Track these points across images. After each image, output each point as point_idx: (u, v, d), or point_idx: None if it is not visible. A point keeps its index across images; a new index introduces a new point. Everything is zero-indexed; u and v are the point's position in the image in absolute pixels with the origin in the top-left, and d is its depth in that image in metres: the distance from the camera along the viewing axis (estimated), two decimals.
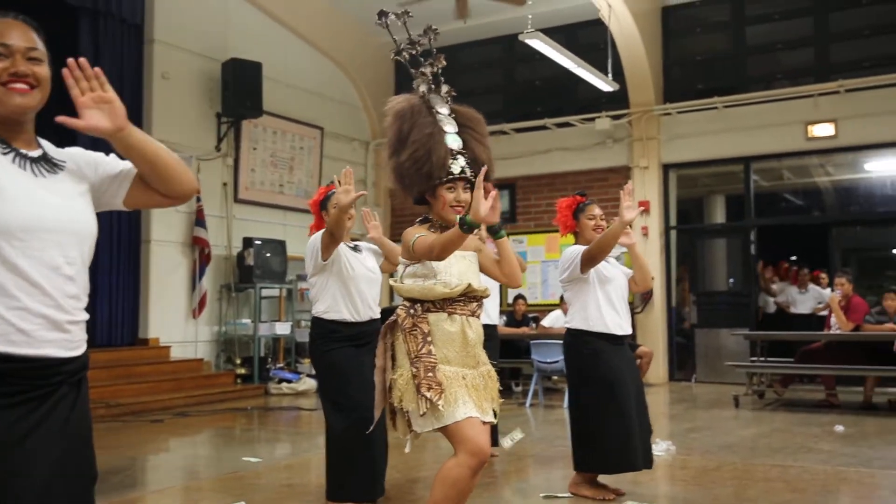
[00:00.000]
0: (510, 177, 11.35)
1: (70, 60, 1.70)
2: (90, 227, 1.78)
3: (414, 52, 2.92)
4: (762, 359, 8.62)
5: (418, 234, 2.75)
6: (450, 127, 2.84)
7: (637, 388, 4.31)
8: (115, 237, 9.18)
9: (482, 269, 2.90)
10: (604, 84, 10.11)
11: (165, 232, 9.62)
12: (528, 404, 8.45)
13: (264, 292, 10.38)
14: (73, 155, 1.84)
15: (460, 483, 2.63)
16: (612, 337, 4.23)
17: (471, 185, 2.81)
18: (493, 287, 4.97)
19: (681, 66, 11.22)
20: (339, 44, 11.92)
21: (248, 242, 10.14)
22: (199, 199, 9.75)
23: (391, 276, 3.08)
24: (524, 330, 9.61)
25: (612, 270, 4.33)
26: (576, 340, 4.29)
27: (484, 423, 2.71)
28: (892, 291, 8.08)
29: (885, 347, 7.96)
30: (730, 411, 7.87)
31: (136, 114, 9.36)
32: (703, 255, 11.59)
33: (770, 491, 4.46)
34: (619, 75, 10.45)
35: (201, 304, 9.82)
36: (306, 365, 10.11)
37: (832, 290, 8.59)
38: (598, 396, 4.17)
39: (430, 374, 2.65)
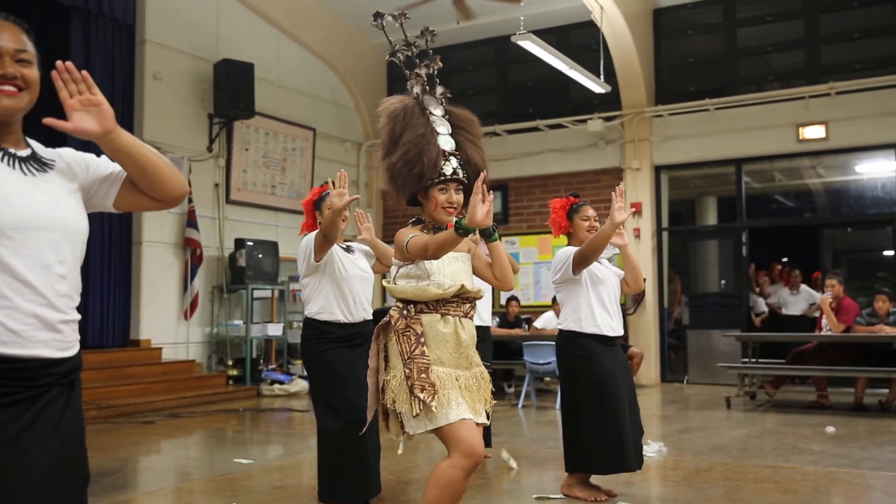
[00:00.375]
0: (502, 178, 11.36)
1: (58, 63, 1.69)
2: (81, 226, 1.78)
3: (409, 54, 2.92)
4: (754, 360, 8.65)
5: (412, 235, 2.75)
6: (443, 128, 2.84)
7: (629, 389, 4.32)
8: (107, 238, 9.16)
9: (474, 272, 2.90)
10: (596, 86, 10.13)
11: (157, 233, 9.59)
12: (520, 405, 8.45)
13: (256, 293, 10.36)
14: (62, 155, 1.83)
15: (454, 484, 2.63)
16: (604, 338, 4.24)
17: (463, 187, 2.81)
18: (485, 289, 4.98)
19: (673, 68, 11.25)
20: (331, 45, 11.91)
21: (239, 243, 10.12)
22: (190, 200, 9.73)
23: (383, 277, 3.08)
24: (517, 331, 9.61)
25: (605, 272, 4.34)
26: (568, 342, 4.30)
27: (477, 424, 2.71)
28: (882, 293, 8.11)
29: (876, 349, 8.00)
30: (721, 412, 7.89)
31: (128, 114, 9.35)
32: (695, 257, 11.62)
33: (761, 492, 4.48)
34: (611, 77, 10.47)
35: (193, 305, 9.79)
36: (298, 366, 10.09)
37: (823, 292, 8.62)
38: (590, 397, 4.18)
39: (424, 376, 2.65)
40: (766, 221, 12.02)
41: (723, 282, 11.39)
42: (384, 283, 2.96)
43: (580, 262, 4.15)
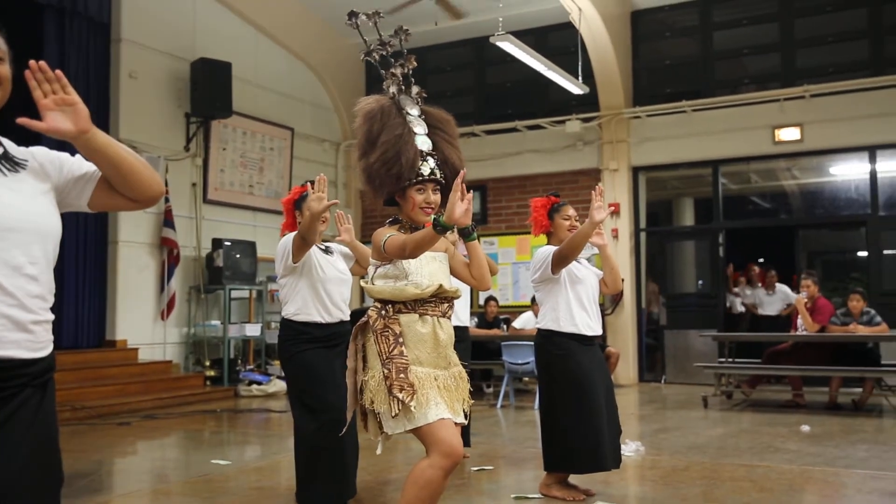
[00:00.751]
0: (481, 178, 11.37)
1: (32, 63, 1.67)
2: (54, 226, 1.75)
3: (384, 53, 2.91)
4: (730, 360, 8.72)
5: (389, 234, 2.74)
6: (420, 128, 2.84)
7: (607, 389, 4.34)
8: (82, 238, 9.07)
9: (451, 272, 2.90)
10: (574, 87, 10.17)
11: (133, 233, 9.51)
12: (499, 406, 8.47)
13: (234, 294, 10.30)
14: (35, 154, 1.81)
15: (432, 484, 2.63)
16: (583, 337, 4.26)
17: (441, 187, 2.81)
18: (463, 289, 4.98)
19: (650, 70, 11.32)
20: (309, 45, 11.87)
21: (217, 243, 10.06)
22: (167, 200, 9.66)
23: (362, 278, 3.07)
24: (495, 332, 9.63)
25: (584, 271, 4.36)
26: (546, 341, 4.31)
27: (455, 423, 2.71)
28: (856, 292, 8.21)
29: (851, 348, 8.09)
30: (698, 412, 7.95)
31: (104, 113, 9.26)
32: (673, 257, 11.69)
33: (737, 490, 4.51)
34: (589, 78, 10.51)
35: (170, 305, 9.72)
36: (276, 367, 10.05)
37: (798, 292, 8.72)
38: (567, 396, 4.19)
39: (402, 376, 2.64)
40: (743, 222, 12.13)
41: (700, 282, 11.48)
42: (362, 283, 2.96)
43: (559, 261, 4.17)
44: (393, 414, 2.62)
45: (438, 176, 2.80)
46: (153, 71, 9.81)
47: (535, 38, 10.91)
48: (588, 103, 10.97)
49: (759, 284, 11.23)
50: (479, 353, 8.81)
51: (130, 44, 9.59)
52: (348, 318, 4.03)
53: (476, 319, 9.66)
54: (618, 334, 10.64)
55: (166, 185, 9.63)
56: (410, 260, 2.73)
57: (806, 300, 8.23)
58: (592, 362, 4.28)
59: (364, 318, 2.80)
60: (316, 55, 12.03)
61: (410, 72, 2.90)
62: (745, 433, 6.61)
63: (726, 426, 7.04)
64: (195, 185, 10.30)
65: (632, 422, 7.35)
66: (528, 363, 8.07)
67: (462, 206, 2.57)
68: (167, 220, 9.66)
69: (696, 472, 5.04)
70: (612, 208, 10.54)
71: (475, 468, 5.14)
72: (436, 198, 2.78)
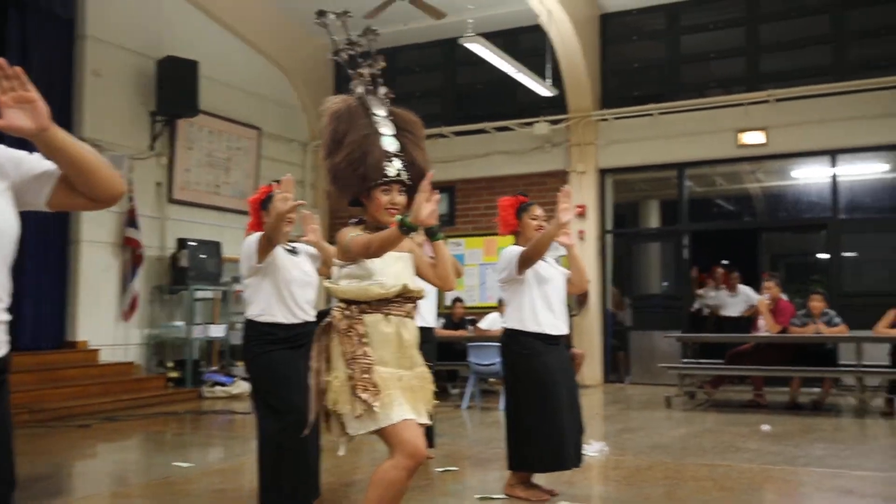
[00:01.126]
0: (449, 180, 11.38)
1: None
2: (10, 226, 1.72)
3: (352, 53, 2.90)
4: (693, 360, 8.81)
5: (354, 234, 2.74)
6: (386, 129, 2.83)
7: (570, 388, 4.36)
8: (43, 237, 8.90)
9: (416, 272, 2.89)
10: (543, 89, 10.22)
11: (96, 232, 9.37)
12: (464, 407, 8.48)
13: (198, 294, 10.19)
14: None
15: (396, 485, 2.62)
16: (548, 337, 4.28)
17: (406, 188, 2.81)
18: (429, 290, 4.98)
19: (618, 73, 11.41)
20: (277, 44, 11.80)
21: (182, 243, 9.95)
22: (131, 199, 9.53)
23: (327, 279, 3.06)
24: (461, 332, 9.63)
25: (550, 271, 4.38)
26: (511, 340, 4.33)
27: (419, 424, 2.71)
28: (817, 293, 8.34)
29: (810, 349, 8.23)
30: (662, 412, 8.02)
31: (67, 111, 9.11)
32: (638, 259, 11.79)
33: (699, 490, 4.56)
34: (557, 81, 10.58)
35: (132, 306, 9.59)
36: (241, 368, 9.95)
37: (760, 294, 8.84)
38: (531, 395, 4.21)
39: (366, 376, 2.64)
40: (707, 225, 12.27)
41: (664, 283, 11.60)
42: (326, 283, 2.94)
43: (524, 262, 4.19)
44: (356, 415, 2.62)
45: (404, 177, 2.80)
46: (118, 68, 9.68)
47: (504, 39, 10.95)
48: (556, 105, 11.04)
49: (723, 286, 11.35)
50: (445, 353, 8.80)
51: (95, 41, 9.46)
52: (313, 320, 4.01)
53: (443, 320, 9.66)
54: (584, 335, 10.71)
55: (130, 184, 9.52)
56: (375, 260, 2.72)
57: (768, 301, 8.35)
58: (557, 361, 4.30)
59: (328, 319, 2.79)
60: (284, 54, 11.96)
61: (379, 72, 2.90)
62: (708, 433, 6.69)
63: (689, 426, 7.12)
64: (160, 185, 10.19)
65: (596, 422, 7.40)
66: (493, 364, 8.08)
67: (428, 208, 2.57)
68: (131, 220, 9.54)
69: (660, 471, 5.09)
70: (579, 210, 10.61)
71: (440, 469, 5.14)
72: (401, 199, 2.78)
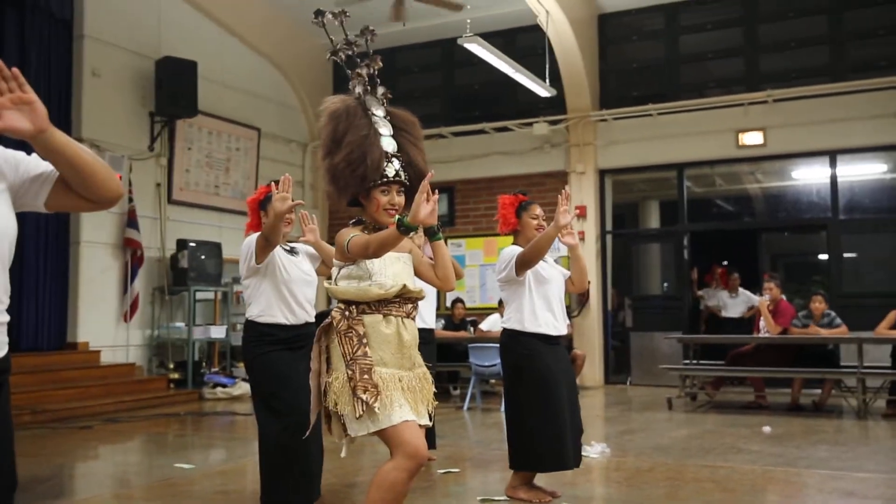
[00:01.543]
0: (449, 180, 11.38)
1: None
2: (9, 227, 1.71)
3: (350, 53, 2.90)
4: (694, 361, 8.81)
5: (352, 234, 2.73)
6: (385, 129, 2.83)
7: (570, 389, 4.36)
8: (43, 238, 8.90)
9: (416, 273, 2.89)
10: (541, 89, 10.22)
11: (96, 233, 9.36)
12: (465, 408, 8.47)
13: (199, 295, 10.19)
14: None
15: (397, 486, 2.61)
16: (547, 337, 4.27)
17: (405, 189, 2.80)
18: (429, 290, 4.96)
19: (617, 73, 11.41)
20: (276, 44, 11.79)
21: (182, 244, 9.94)
22: (131, 200, 9.53)
23: (327, 279, 3.05)
24: (462, 333, 9.63)
25: (550, 271, 4.37)
26: (511, 341, 4.32)
27: (420, 425, 2.70)
28: (818, 294, 8.34)
29: (811, 350, 8.22)
30: (663, 413, 8.01)
31: (66, 112, 9.11)
32: (638, 260, 11.78)
33: (701, 491, 4.56)
34: (556, 81, 10.57)
35: (133, 307, 9.59)
36: (242, 369, 9.95)
37: (761, 295, 8.83)
38: (532, 396, 4.20)
39: (367, 377, 2.63)
40: (707, 225, 12.26)
41: (665, 284, 11.59)
42: (325, 284, 2.94)
43: (522, 264, 4.18)
44: (357, 415, 2.61)
45: (403, 178, 2.79)
46: (117, 69, 9.67)
47: (503, 40, 10.94)
48: (555, 106, 11.03)
49: (723, 286, 11.35)
50: (445, 354, 8.79)
51: (94, 41, 9.45)
52: (313, 320, 4.00)
53: (443, 321, 9.65)
54: (584, 336, 10.70)
55: (130, 185, 9.52)
56: (374, 260, 2.72)
57: (768, 303, 8.35)
58: (556, 362, 4.29)
59: (328, 320, 2.78)
60: (283, 55, 11.95)
61: (377, 72, 2.89)
62: (709, 434, 6.68)
63: (690, 427, 7.11)
64: (160, 186, 10.18)
65: (597, 423, 7.39)
66: (494, 365, 8.08)
67: (427, 208, 2.57)
68: (131, 221, 9.53)
69: (661, 473, 5.08)
70: (578, 211, 10.61)
71: (441, 471, 5.13)
72: (400, 199, 2.78)
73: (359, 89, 2.85)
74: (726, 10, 10.80)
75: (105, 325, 9.45)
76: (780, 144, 10.22)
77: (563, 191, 4.13)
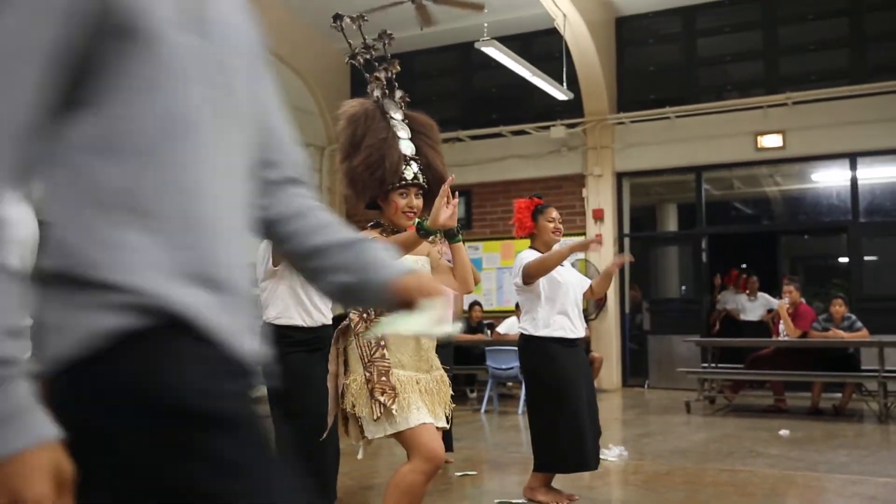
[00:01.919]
0: (466, 184, 11.37)
1: None
2: (29, 232, 1.73)
3: (368, 57, 2.92)
4: (713, 365, 8.75)
5: (370, 237, 2.74)
6: (403, 132, 2.84)
7: (588, 391, 4.35)
8: None
9: (433, 275, 2.89)
10: (558, 93, 10.20)
11: None
12: (482, 410, 8.46)
13: None
14: None
15: (414, 489, 2.62)
16: (564, 340, 4.26)
17: (423, 191, 2.81)
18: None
19: (634, 77, 11.37)
20: (294, 49, 11.85)
21: None
22: None
23: None
24: (479, 336, 9.62)
25: (565, 275, 4.37)
26: (527, 344, 4.33)
27: (437, 428, 2.70)
28: (839, 298, 8.27)
29: (831, 354, 8.15)
30: (681, 417, 7.97)
31: None
32: (656, 263, 11.73)
33: (720, 495, 4.53)
34: (573, 84, 10.55)
35: None
36: (259, 372, 9.98)
37: (781, 298, 8.77)
38: (551, 398, 4.20)
39: (384, 379, 2.64)
40: (725, 228, 12.19)
41: (683, 287, 11.52)
42: None
43: (529, 276, 4.19)
44: (375, 417, 2.62)
45: (421, 180, 2.80)
46: None
47: (520, 43, 10.93)
48: (572, 109, 11.01)
49: (740, 290, 11.27)
50: (463, 357, 8.78)
51: None
52: (330, 322, 4.02)
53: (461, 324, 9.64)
54: (601, 339, 10.66)
55: None
56: None
57: (788, 306, 8.28)
58: (575, 365, 4.29)
59: (346, 322, 2.79)
60: (300, 59, 12.01)
61: (394, 76, 2.91)
62: (728, 438, 6.64)
63: (709, 431, 7.06)
64: None
65: (615, 427, 7.36)
66: (512, 368, 8.06)
67: (447, 212, 2.58)
68: None
69: (679, 476, 5.05)
70: (596, 216, 10.59)
71: (459, 473, 5.13)
72: (418, 202, 2.79)
73: (377, 93, 2.87)
74: (745, 12, 10.74)
75: None
76: (799, 147, 10.15)
77: (596, 235, 4.18)
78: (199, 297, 0.98)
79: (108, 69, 0.97)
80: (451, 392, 2.88)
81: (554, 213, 4.42)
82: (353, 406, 2.68)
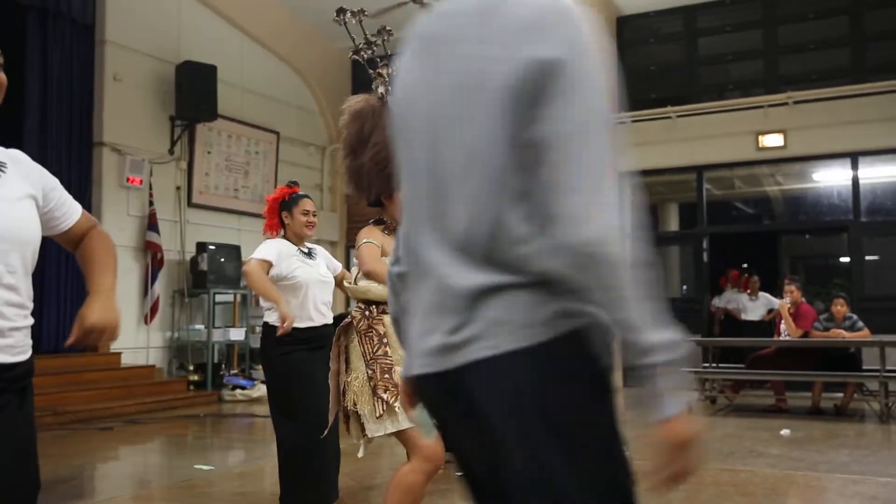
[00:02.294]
0: None
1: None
2: (33, 234, 1.72)
3: (370, 53, 2.92)
4: (714, 365, 8.75)
5: (366, 240, 2.73)
6: None
7: None
8: None
9: None
10: None
11: (117, 236, 9.42)
12: None
13: (218, 298, 10.25)
14: (16, 158, 1.77)
15: (415, 489, 2.62)
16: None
17: None
18: None
19: (635, 76, 11.36)
20: (295, 48, 11.85)
21: (201, 247, 10.00)
22: (151, 204, 9.60)
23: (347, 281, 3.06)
24: None
25: None
26: None
27: None
28: (840, 297, 8.26)
29: (832, 353, 8.14)
30: None
31: (87, 116, 9.20)
32: (657, 262, 11.70)
33: (720, 495, 4.53)
34: None
35: (153, 309, 9.66)
36: (261, 371, 9.98)
37: (782, 297, 8.77)
38: None
39: (387, 376, 2.64)
40: (726, 228, 12.19)
41: (684, 287, 11.51)
42: (346, 284, 2.95)
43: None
44: (377, 415, 2.62)
45: None
46: (138, 73, 9.76)
47: None
48: None
49: (741, 289, 11.26)
50: None
51: (115, 46, 9.54)
52: (331, 322, 4.02)
53: None
54: None
55: (150, 188, 9.60)
56: None
57: (789, 305, 8.28)
58: None
59: (347, 319, 2.79)
60: (302, 59, 12.01)
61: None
62: (729, 438, 6.63)
63: (710, 431, 7.06)
64: (179, 189, 10.25)
65: None
66: None
67: None
68: (151, 224, 9.61)
69: None
70: None
71: (459, 473, 5.13)
72: None
73: (381, 89, 2.87)
74: (745, 11, 10.74)
75: (126, 328, 9.50)
76: (800, 146, 10.14)
77: None
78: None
79: None
80: None
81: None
82: (355, 403, 2.68)
